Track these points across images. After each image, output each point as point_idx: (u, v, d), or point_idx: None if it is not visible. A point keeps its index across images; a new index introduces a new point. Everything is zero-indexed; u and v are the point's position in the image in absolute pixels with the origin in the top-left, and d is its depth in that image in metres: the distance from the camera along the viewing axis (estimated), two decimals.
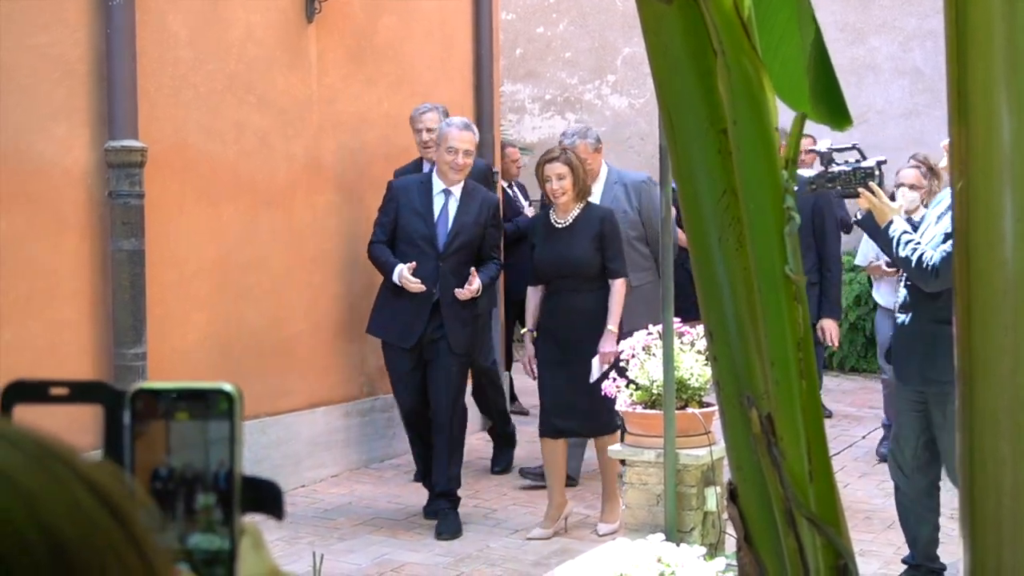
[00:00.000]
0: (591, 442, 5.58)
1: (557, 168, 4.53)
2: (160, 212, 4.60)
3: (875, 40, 9.19)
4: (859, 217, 3.79)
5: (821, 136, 5.63)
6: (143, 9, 4.52)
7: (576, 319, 4.56)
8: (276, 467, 5.02)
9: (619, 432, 4.66)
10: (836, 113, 1.41)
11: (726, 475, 1.82)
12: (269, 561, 0.65)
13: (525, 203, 6.83)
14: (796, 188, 1.34)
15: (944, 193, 3.90)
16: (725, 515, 3.88)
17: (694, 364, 4.11)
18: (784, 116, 1.39)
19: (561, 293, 4.60)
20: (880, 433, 6.01)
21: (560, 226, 4.61)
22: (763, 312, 1.31)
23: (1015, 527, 1.24)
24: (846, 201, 5.63)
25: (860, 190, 3.62)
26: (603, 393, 4.44)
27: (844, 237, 6.12)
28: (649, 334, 4.26)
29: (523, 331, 4.88)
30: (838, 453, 5.76)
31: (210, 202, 4.90)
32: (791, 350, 1.29)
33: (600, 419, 4.58)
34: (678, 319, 4.15)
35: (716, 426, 3.76)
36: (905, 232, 3.59)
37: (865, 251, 5.80)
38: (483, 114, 6.41)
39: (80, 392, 0.62)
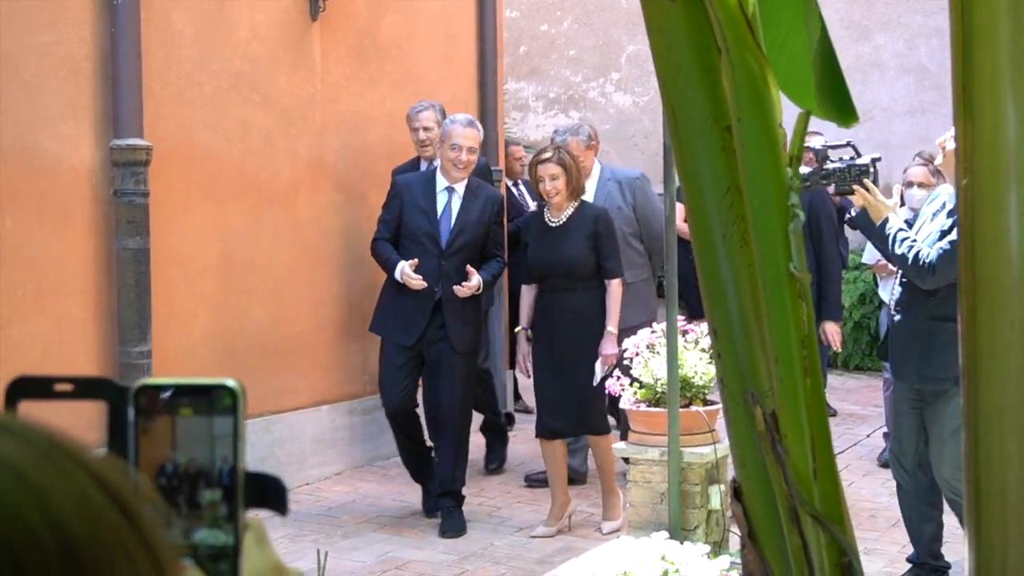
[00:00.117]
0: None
1: (550, 168, 4.51)
2: (165, 210, 4.61)
3: (880, 37, 9.17)
4: (853, 214, 3.78)
5: (824, 133, 5.63)
6: (148, 8, 4.53)
7: (570, 318, 4.54)
8: (281, 465, 5.03)
9: (611, 432, 4.66)
10: (842, 109, 1.41)
11: (730, 473, 1.82)
12: (273, 556, 0.65)
13: (531, 202, 6.83)
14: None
15: (939, 190, 3.89)
16: (729, 513, 3.88)
17: (698, 362, 4.11)
18: (788, 113, 1.39)
19: (555, 292, 4.58)
20: (883, 432, 6.00)
21: (554, 225, 4.59)
22: (767, 309, 1.31)
23: (1021, 525, 1.24)
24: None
25: (855, 187, 3.61)
26: (607, 392, 4.44)
27: (851, 235, 6.11)
28: (653, 332, 4.26)
29: (517, 330, 4.86)
30: (842, 452, 5.76)
31: (215, 201, 4.90)
32: (795, 347, 1.29)
33: (592, 420, 4.56)
34: (682, 318, 4.15)
35: (720, 424, 3.75)
36: (901, 229, 3.58)
37: (872, 249, 5.79)
38: (487, 112, 6.41)
39: (84, 388, 0.62)
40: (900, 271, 3.72)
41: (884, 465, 5.41)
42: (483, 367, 5.69)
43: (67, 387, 0.61)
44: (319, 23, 5.35)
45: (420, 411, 4.91)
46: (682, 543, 3.39)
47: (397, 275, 4.64)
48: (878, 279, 6.21)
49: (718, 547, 3.95)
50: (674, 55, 1.40)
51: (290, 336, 5.25)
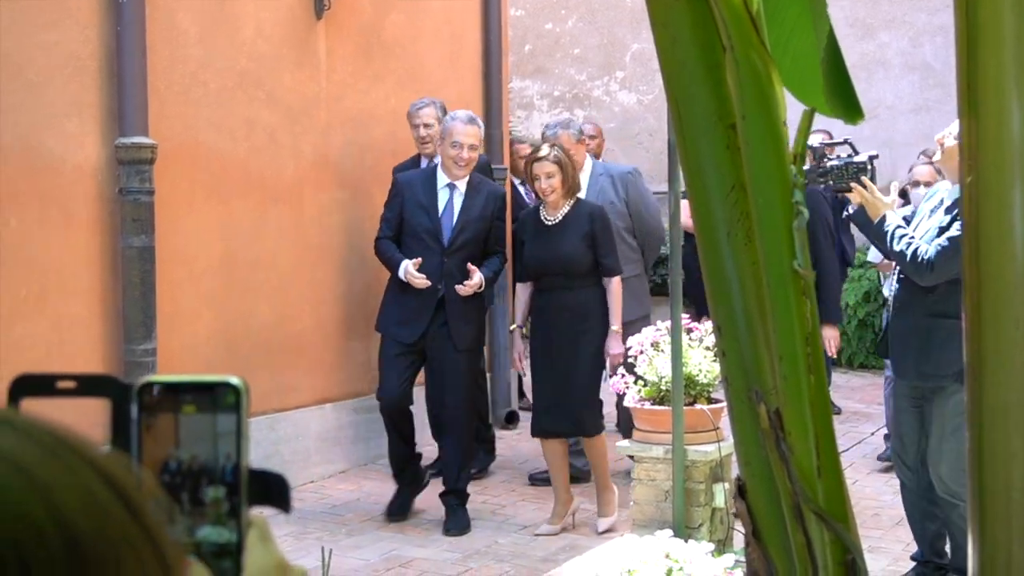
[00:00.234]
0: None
1: (546, 167, 4.49)
2: (170, 209, 4.61)
3: (885, 35, 9.15)
4: (851, 211, 3.77)
5: (831, 131, 5.61)
6: (153, 6, 4.53)
7: (568, 316, 4.51)
8: (285, 463, 5.04)
9: (603, 434, 4.63)
10: (848, 107, 1.41)
11: (734, 471, 1.82)
12: (276, 553, 0.65)
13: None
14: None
15: (937, 187, 3.88)
16: (733, 511, 3.88)
17: (703, 360, 4.11)
18: (793, 110, 1.39)
19: (551, 291, 4.55)
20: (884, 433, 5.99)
21: (550, 223, 4.56)
22: (771, 307, 1.31)
23: None
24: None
25: (852, 185, 3.60)
26: (612, 390, 4.44)
27: (856, 232, 6.09)
28: (658, 330, 4.26)
29: (512, 328, 4.84)
30: (847, 450, 5.75)
31: (219, 199, 4.91)
32: (799, 345, 1.29)
33: (584, 420, 4.51)
34: (687, 316, 4.15)
35: (725, 422, 3.75)
36: (899, 227, 3.58)
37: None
38: (491, 110, 6.40)
39: (87, 386, 0.62)
40: (898, 268, 3.72)
41: (886, 464, 5.41)
42: (478, 368, 5.67)
43: (70, 384, 0.61)
44: (324, 21, 5.35)
45: (418, 414, 4.88)
46: (686, 541, 3.38)
47: (401, 274, 4.62)
48: (882, 277, 6.20)
49: (722, 545, 3.95)
50: (678, 52, 1.40)
51: (294, 334, 5.25)
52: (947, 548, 3.92)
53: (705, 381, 4.10)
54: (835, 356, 6.07)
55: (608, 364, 4.56)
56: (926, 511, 3.85)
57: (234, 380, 0.63)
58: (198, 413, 0.63)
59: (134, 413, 0.62)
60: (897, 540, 4.43)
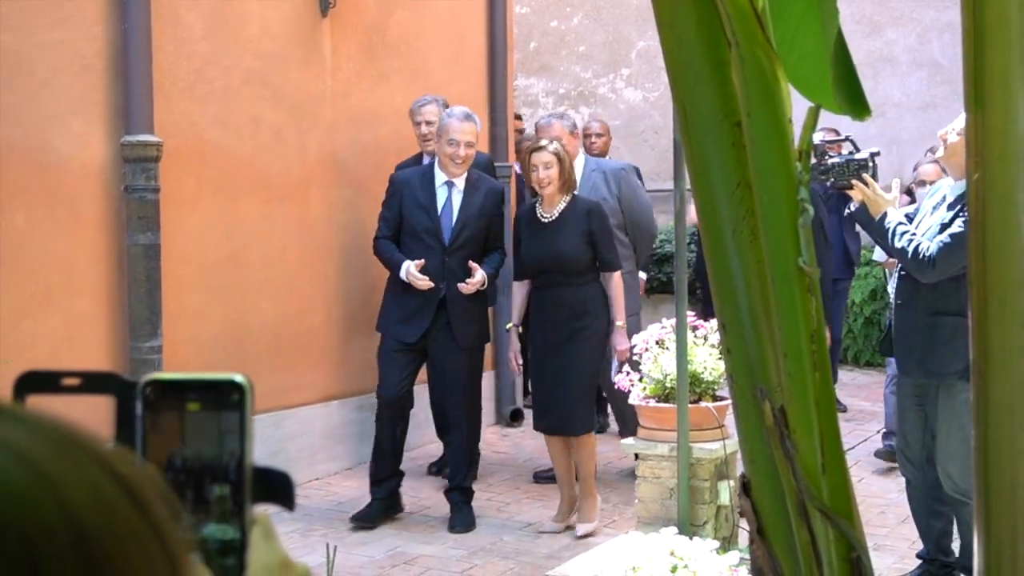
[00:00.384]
0: (605, 437, 5.57)
1: (544, 156, 4.45)
2: (175, 206, 4.62)
3: (892, 32, 9.13)
4: (852, 209, 3.76)
5: (839, 129, 5.60)
6: (158, 4, 4.54)
7: (567, 314, 4.47)
8: (291, 460, 5.05)
9: (593, 434, 4.61)
10: (855, 103, 1.40)
11: (739, 469, 1.82)
12: (280, 551, 0.66)
13: None
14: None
15: (939, 184, 3.87)
16: (738, 508, 3.87)
17: (708, 358, 4.10)
18: (798, 108, 1.38)
19: (549, 288, 4.51)
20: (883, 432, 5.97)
21: (546, 220, 4.52)
22: (776, 304, 1.30)
23: None
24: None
25: (854, 182, 3.59)
26: (616, 387, 4.44)
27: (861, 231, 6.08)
28: (663, 328, 4.26)
29: (508, 326, 4.82)
30: (853, 448, 5.74)
31: (225, 196, 4.92)
32: (804, 342, 1.29)
33: (573, 418, 4.47)
34: (692, 313, 4.14)
35: (730, 420, 3.75)
36: (900, 223, 3.57)
37: None
38: (496, 108, 6.40)
39: (92, 383, 0.62)
40: (900, 265, 3.71)
41: (888, 462, 5.40)
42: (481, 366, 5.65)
43: (74, 381, 0.61)
44: (329, 19, 5.35)
45: (418, 413, 4.86)
46: (691, 538, 3.38)
47: (402, 275, 4.57)
48: (888, 275, 6.19)
49: (727, 542, 3.95)
50: (684, 50, 1.40)
51: (300, 331, 5.26)
52: (954, 546, 3.91)
53: (710, 378, 4.09)
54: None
55: (614, 360, 4.54)
56: (932, 509, 3.84)
57: (238, 378, 0.63)
58: (202, 411, 0.63)
59: (138, 410, 0.62)
60: (903, 538, 4.42)
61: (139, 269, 4.44)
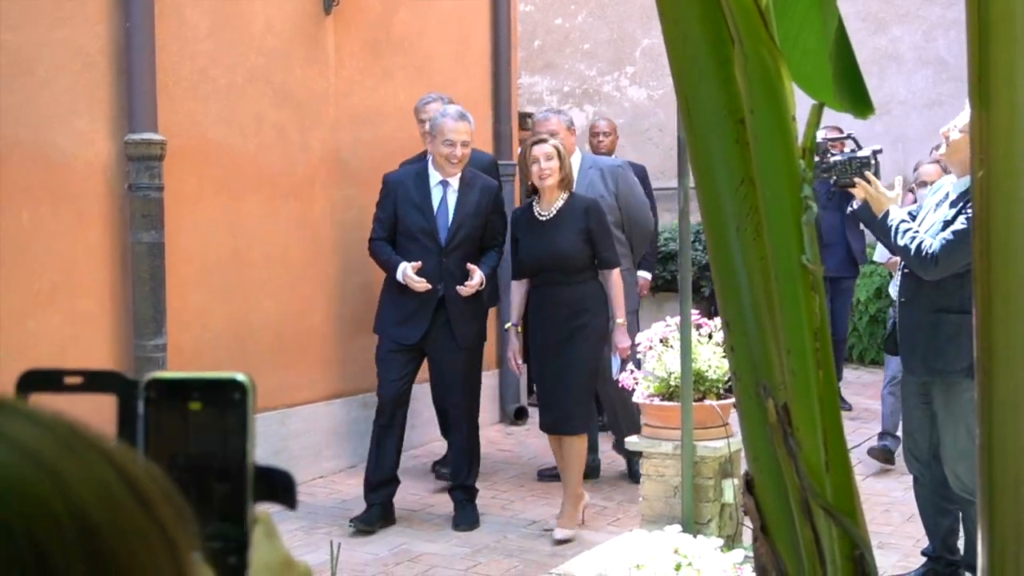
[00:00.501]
0: (609, 436, 5.57)
1: (545, 148, 4.42)
2: (179, 205, 4.62)
3: (898, 30, 9.11)
4: (855, 207, 3.75)
5: (843, 126, 5.59)
6: (162, 2, 4.54)
7: (566, 312, 4.46)
8: (295, 458, 5.05)
9: (586, 436, 4.61)
10: (858, 101, 1.40)
11: (743, 467, 1.82)
12: (282, 549, 0.66)
13: None
14: None
15: (941, 181, 3.86)
16: (742, 506, 3.87)
17: (712, 356, 4.10)
18: (802, 105, 1.38)
19: (547, 287, 4.49)
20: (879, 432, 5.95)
21: (544, 218, 4.49)
22: (780, 301, 1.30)
23: None
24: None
25: (856, 180, 3.58)
26: (620, 385, 4.44)
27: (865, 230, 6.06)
28: (667, 326, 4.25)
29: (507, 326, 4.80)
30: (857, 446, 5.73)
31: (229, 195, 4.92)
32: (808, 339, 1.28)
33: (573, 418, 4.46)
34: (697, 311, 4.14)
35: (734, 418, 3.75)
36: (903, 221, 3.56)
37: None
38: (500, 106, 6.40)
39: (94, 381, 0.62)
40: (903, 263, 3.70)
41: (882, 462, 5.39)
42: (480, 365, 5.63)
43: (77, 380, 0.61)
44: (333, 17, 5.35)
45: (419, 412, 4.86)
46: (695, 536, 3.38)
47: (399, 277, 4.52)
48: (892, 275, 6.18)
49: (731, 540, 3.95)
50: (689, 47, 1.39)
51: (304, 329, 5.26)
52: (959, 544, 3.91)
53: (714, 377, 4.09)
54: None
55: (616, 357, 4.53)
56: (939, 506, 3.83)
57: (240, 377, 0.63)
58: (204, 409, 0.63)
59: (141, 409, 0.62)
60: (907, 536, 4.42)
61: (143, 267, 4.45)
